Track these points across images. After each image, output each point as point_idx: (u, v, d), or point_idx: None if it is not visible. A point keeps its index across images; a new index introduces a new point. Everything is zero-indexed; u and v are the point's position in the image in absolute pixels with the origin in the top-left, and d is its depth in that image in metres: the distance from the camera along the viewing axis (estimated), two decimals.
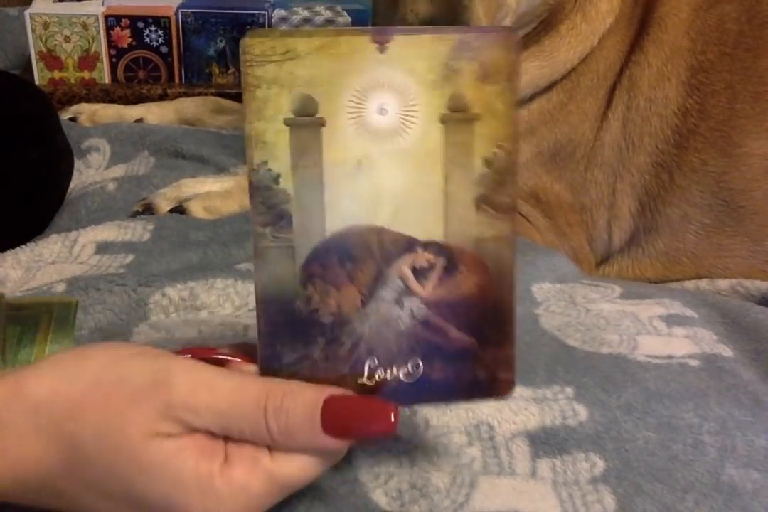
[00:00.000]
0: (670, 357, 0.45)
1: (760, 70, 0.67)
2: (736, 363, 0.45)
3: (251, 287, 0.51)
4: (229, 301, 0.49)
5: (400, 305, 0.31)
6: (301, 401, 0.29)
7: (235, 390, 0.29)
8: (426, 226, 0.31)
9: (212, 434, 0.29)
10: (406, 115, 0.30)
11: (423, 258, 0.31)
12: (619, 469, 0.36)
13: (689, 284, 0.67)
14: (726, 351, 0.46)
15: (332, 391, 0.30)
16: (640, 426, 0.38)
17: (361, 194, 0.30)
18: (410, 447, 0.37)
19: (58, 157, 0.68)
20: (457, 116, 0.30)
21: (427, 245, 0.31)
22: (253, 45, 0.29)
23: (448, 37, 0.30)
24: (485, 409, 0.39)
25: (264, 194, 0.30)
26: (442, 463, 0.36)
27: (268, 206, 0.30)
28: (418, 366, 0.32)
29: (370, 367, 0.31)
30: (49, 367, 0.30)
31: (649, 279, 0.70)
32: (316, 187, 0.30)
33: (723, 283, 0.65)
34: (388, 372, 0.31)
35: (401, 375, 0.32)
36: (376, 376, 0.31)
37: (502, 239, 0.31)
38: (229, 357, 0.32)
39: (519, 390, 0.40)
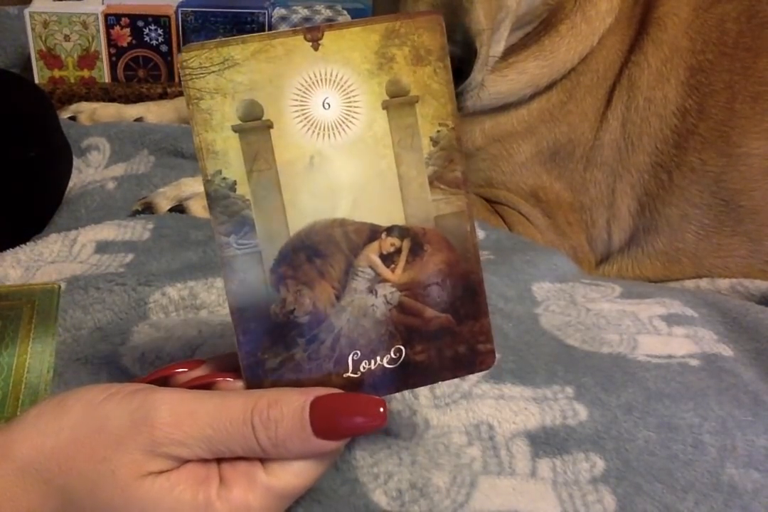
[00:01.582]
0: (670, 356, 0.45)
1: (760, 70, 0.67)
2: (736, 363, 0.45)
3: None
4: None
5: (374, 293, 0.32)
6: (287, 410, 0.29)
7: (219, 413, 0.29)
8: (386, 211, 0.31)
9: (204, 459, 0.29)
10: (350, 107, 0.31)
11: (388, 243, 0.32)
12: (619, 469, 0.36)
13: (689, 283, 0.67)
14: (726, 350, 0.46)
15: (317, 393, 0.30)
16: (640, 426, 0.38)
17: (319, 190, 0.31)
18: (410, 447, 0.37)
19: (57, 156, 0.67)
20: (397, 101, 0.31)
21: (390, 230, 0.32)
22: (190, 59, 0.29)
23: (376, 26, 0.31)
24: (485, 409, 0.39)
25: (222, 203, 0.30)
26: (442, 463, 0.36)
27: (229, 214, 0.30)
28: (399, 351, 0.32)
29: (354, 360, 0.32)
30: (31, 425, 0.30)
31: (648, 279, 0.70)
32: (274, 188, 0.30)
33: (723, 283, 0.65)
34: (372, 362, 0.32)
35: (385, 363, 0.32)
36: (361, 368, 0.32)
37: (460, 214, 0.32)
38: (217, 379, 0.32)
39: (519, 390, 0.40)
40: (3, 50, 1.02)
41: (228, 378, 0.31)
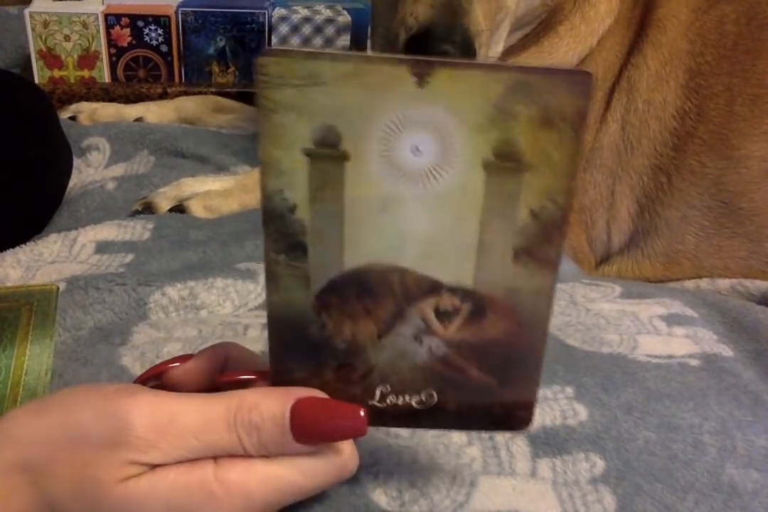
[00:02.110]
0: (670, 356, 0.45)
1: (759, 73, 0.67)
2: (736, 363, 0.45)
3: (251, 286, 0.51)
4: (229, 301, 0.49)
5: (419, 341, 0.30)
6: (268, 414, 0.28)
7: (202, 421, 0.28)
8: (454, 271, 0.29)
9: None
10: (444, 157, 0.27)
11: (448, 301, 0.29)
12: (619, 469, 0.36)
13: (689, 284, 0.67)
14: (726, 350, 0.46)
15: (299, 395, 0.29)
16: (640, 426, 0.38)
17: (385, 233, 0.28)
18: (410, 447, 0.37)
19: (57, 156, 0.67)
20: (503, 165, 0.27)
21: (454, 290, 0.29)
22: (269, 65, 0.25)
23: (504, 75, 0.26)
24: None
25: (278, 222, 0.28)
26: (442, 463, 0.36)
27: (283, 234, 0.28)
28: (431, 396, 0.31)
29: (382, 392, 0.30)
30: (10, 430, 0.29)
31: (648, 280, 0.70)
32: (336, 221, 0.28)
33: (723, 283, 0.65)
34: (401, 398, 0.31)
35: (413, 403, 0.31)
36: (388, 401, 0.31)
37: (540, 293, 0.29)
38: (252, 377, 0.32)
39: None
40: (3, 50, 1.02)
41: (264, 378, 0.31)
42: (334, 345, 0.30)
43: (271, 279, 0.29)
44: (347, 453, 0.30)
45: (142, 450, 0.28)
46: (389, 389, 0.30)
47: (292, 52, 0.26)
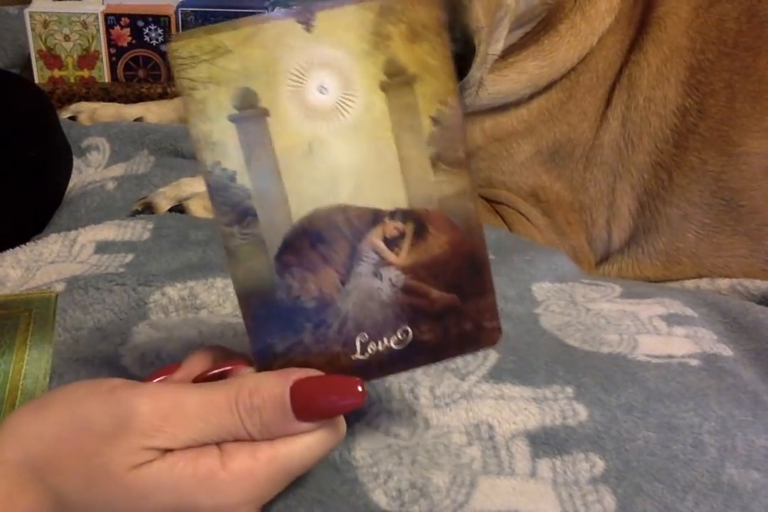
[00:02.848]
0: (670, 356, 0.45)
1: (760, 69, 0.67)
2: (736, 363, 0.45)
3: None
4: (229, 301, 0.49)
5: (379, 277, 0.32)
6: (268, 395, 0.29)
7: (205, 405, 0.29)
8: (388, 194, 0.31)
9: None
10: (347, 90, 0.30)
11: (391, 227, 0.31)
12: (619, 469, 0.36)
13: (689, 283, 0.67)
14: (726, 350, 0.46)
15: (296, 375, 0.30)
16: (640, 426, 0.38)
17: (319, 176, 0.30)
18: (410, 447, 0.37)
19: (57, 156, 0.67)
20: (395, 81, 0.30)
21: (393, 213, 0.31)
22: (179, 48, 0.28)
23: (371, 3, 0.30)
24: (485, 409, 0.39)
25: (223, 194, 0.30)
26: (442, 463, 0.36)
27: (231, 205, 0.30)
28: (406, 332, 0.32)
29: (361, 342, 0.32)
30: (13, 428, 0.29)
31: (649, 279, 0.70)
32: (274, 177, 0.30)
33: (723, 283, 0.65)
34: (380, 343, 0.32)
35: (392, 344, 0.32)
36: (369, 350, 0.32)
37: (462, 194, 0.32)
38: (227, 368, 0.32)
39: (519, 390, 0.40)
40: (3, 50, 1.02)
41: (244, 366, 0.32)
42: (304, 306, 0.31)
43: (231, 254, 0.30)
44: (340, 421, 0.31)
45: (149, 434, 0.28)
46: (366, 337, 0.32)
47: (196, 31, 0.29)
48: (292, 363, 0.31)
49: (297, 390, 0.30)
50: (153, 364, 0.42)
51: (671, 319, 0.49)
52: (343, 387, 0.30)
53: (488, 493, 0.35)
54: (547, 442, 0.37)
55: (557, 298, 0.52)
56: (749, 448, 0.38)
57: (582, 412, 0.39)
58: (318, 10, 0.29)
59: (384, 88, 0.30)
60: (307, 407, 0.29)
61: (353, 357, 0.32)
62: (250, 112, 0.29)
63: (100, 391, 0.29)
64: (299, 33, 0.29)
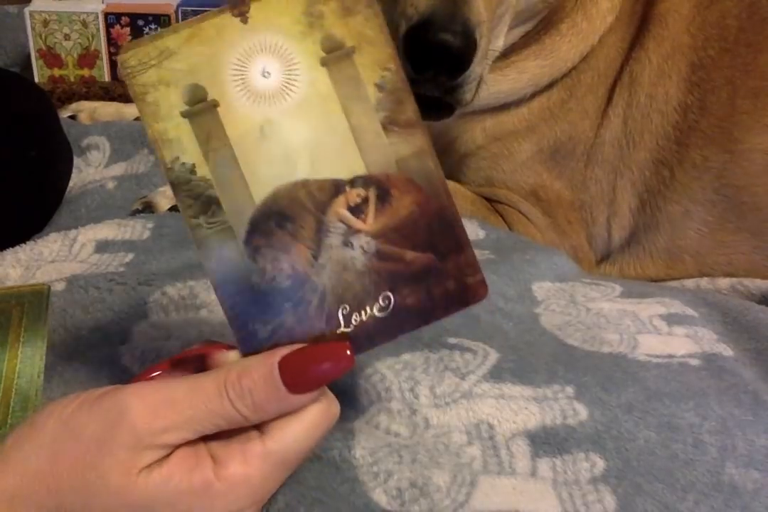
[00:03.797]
0: (670, 356, 0.44)
1: (761, 66, 0.66)
2: (736, 363, 0.45)
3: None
4: None
5: (350, 246, 0.32)
6: (257, 375, 0.29)
7: (193, 394, 0.29)
8: (346, 164, 0.32)
9: (192, 442, 0.29)
10: (289, 70, 0.31)
11: (354, 195, 0.32)
12: (619, 469, 0.36)
13: (690, 283, 0.67)
14: (726, 350, 0.46)
15: (281, 352, 0.30)
16: (640, 426, 0.38)
17: (275, 156, 0.31)
18: (410, 446, 0.37)
19: (57, 156, 0.67)
20: (334, 55, 0.31)
21: (353, 181, 0.32)
22: (128, 58, 0.30)
23: None
24: (485, 409, 0.39)
25: (186, 187, 0.31)
26: (442, 462, 0.36)
27: (194, 197, 0.31)
28: (388, 298, 0.32)
29: (344, 315, 0.32)
30: (10, 454, 0.29)
31: (651, 278, 0.70)
32: (232, 164, 0.31)
33: (723, 282, 0.65)
34: (363, 313, 0.32)
35: (376, 312, 0.32)
36: (353, 321, 0.32)
37: (420, 153, 0.32)
38: (203, 349, 0.32)
39: (519, 390, 0.40)
40: (3, 49, 1.02)
41: (222, 349, 0.32)
42: (280, 286, 0.31)
43: (201, 245, 0.31)
44: (331, 401, 0.31)
45: (142, 433, 0.28)
46: (348, 309, 0.32)
47: (142, 40, 0.30)
48: (278, 346, 0.31)
49: (285, 364, 0.30)
50: (153, 364, 0.42)
51: (671, 319, 0.49)
52: (331, 353, 0.30)
53: (488, 493, 0.35)
54: (547, 442, 0.37)
55: (557, 298, 0.52)
56: (749, 448, 0.38)
57: (582, 412, 0.39)
58: (252, 1, 0.31)
59: (325, 63, 0.31)
60: (297, 378, 0.29)
61: (339, 331, 0.32)
62: (201, 105, 0.31)
63: (90, 400, 0.30)
64: (236, 25, 0.31)
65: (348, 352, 0.30)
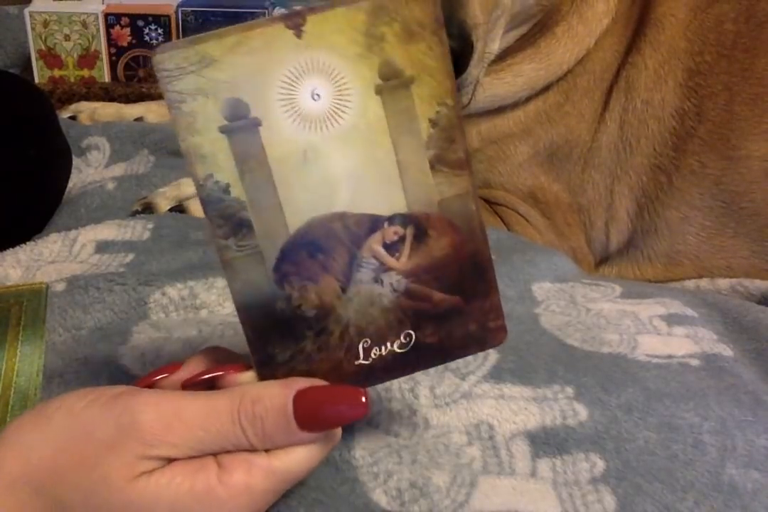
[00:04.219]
0: (670, 356, 0.45)
1: (758, 71, 0.67)
2: (736, 363, 0.45)
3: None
4: (229, 300, 0.49)
5: (380, 282, 0.31)
6: (270, 405, 0.29)
7: (207, 415, 0.29)
8: (387, 200, 0.31)
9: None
10: (340, 95, 0.29)
11: (391, 232, 0.31)
12: (619, 469, 0.36)
13: (689, 284, 0.67)
14: (726, 350, 0.46)
15: (299, 385, 0.30)
16: (640, 426, 0.38)
17: (315, 184, 0.30)
18: (410, 446, 0.37)
19: (57, 156, 0.67)
20: (391, 84, 0.29)
21: (392, 219, 0.31)
22: (164, 60, 0.27)
23: (362, 4, 0.29)
24: (485, 409, 0.39)
25: (217, 206, 0.29)
26: (442, 462, 0.36)
27: (225, 217, 0.29)
28: (410, 335, 0.32)
29: (364, 348, 0.31)
30: (13, 439, 0.29)
31: (649, 281, 0.70)
32: (268, 187, 0.29)
33: (723, 283, 0.65)
34: (383, 348, 0.32)
35: (396, 348, 0.32)
36: (372, 355, 0.32)
37: (464, 195, 0.31)
38: (218, 373, 0.32)
39: (519, 390, 0.40)
40: (3, 50, 1.02)
41: (237, 372, 0.31)
42: (305, 315, 0.31)
43: (228, 267, 0.30)
44: (333, 431, 0.31)
45: (150, 443, 0.28)
46: (369, 342, 0.31)
47: (181, 42, 0.27)
48: (294, 371, 0.31)
49: (300, 400, 0.29)
50: (153, 364, 0.42)
51: (671, 319, 0.49)
52: (347, 398, 0.30)
53: (488, 493, 0.35)
54: (547, 442, 0.37)
55: (557, 298, 0.52)
56: (749, 448, 0.38)
57: (582, 412, 0.39)
58: (307, 14, 0.28)
59: (380, 91, 0.29)
60: (309, 417, 0.29)
61: (356, 362, 0.31)
62: (242, 122, 0.28)
63: (103, 400, 0.29)
64: (289, 39, 0.28)
65: (363, 400, 0.30)
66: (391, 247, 0.31)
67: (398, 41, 0.29)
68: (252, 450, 0.29)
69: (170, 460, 0.29)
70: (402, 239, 0.31)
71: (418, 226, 0.31)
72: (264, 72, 0.28)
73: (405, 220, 0.31)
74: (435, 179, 0.31)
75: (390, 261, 0.31)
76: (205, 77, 0.28)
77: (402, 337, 0.32)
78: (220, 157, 0.29)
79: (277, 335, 0.31)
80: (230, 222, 0.29)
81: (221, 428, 0.29)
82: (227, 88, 0.28)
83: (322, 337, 0.31)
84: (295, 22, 0.28)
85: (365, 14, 0.28)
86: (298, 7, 0.28)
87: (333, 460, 0.36)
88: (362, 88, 0.29)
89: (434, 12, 0.29)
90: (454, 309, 0.32)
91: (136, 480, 0.28)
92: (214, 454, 0.29)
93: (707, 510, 0.35)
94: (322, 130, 0.29)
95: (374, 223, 0.31)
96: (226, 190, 0.29)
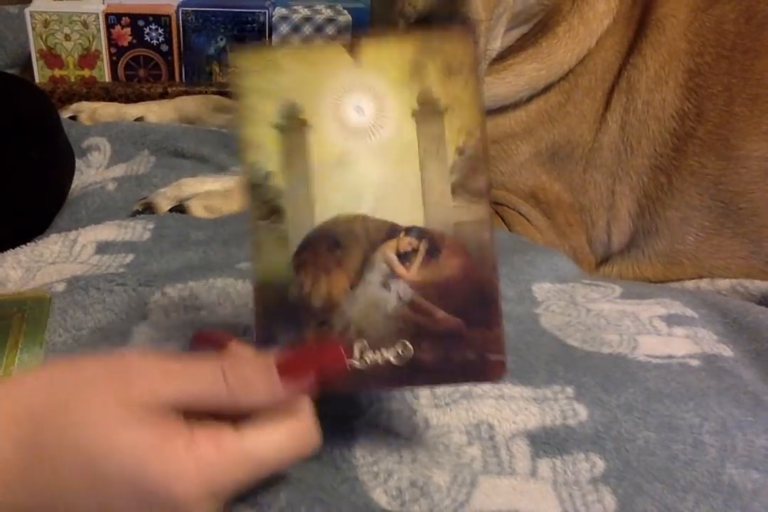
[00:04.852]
0: (670, 357, 0.45)
1: (758, 72, 0.67)
2: (736, 363, 0.45)
3: (251, 287, 0.51)
4: (229, 301, 0.49)
5: (387, 288, 0.33)
6: (253, 356, 0.32)
7: (190, 364, 0.31)
8: (407, 212, 0.33)
9: (176, 416, 0.30)
10: (381, 113, 0.33)
11: (406, 242, 0.33)
12: (619, 469, 0.36)
13: (689, 284, 0.67)
14: (726, 351, 0.46)
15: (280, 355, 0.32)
16: (640, 426, 0.39)
17: (346, 186, 0.33)
18: (410, 446, 0.37)
19: (59, 158, 0.67)
20: (426, 111, 0.33)
21: (409, 230, 0.33)
22: (239, 59, 0.33)
23: (412, 37, 0.33)
24: (485, 409, 0.39)
25: (258, 191, 0.33)
26: (442, 462, 0.36)
27: (263, 201, 0.33)
28: (407, 348, 0.33)
29: (360, 349, 0.33)
30: (12, 380, 0.31)
31: (649, 280, 0.70)
32: (305, 182, 0.33)
33: (723, 283, 0.65)
34: (378, 354, 0.33)
35: (391, 358, 0.33)
36: (366, 358, 0.33)
37: (480, 223, 0.33)
38: (224, 338, 0.34)
39: (519, 390, 0.40)
40: (3, 49, 1.02)
41: (238, 342, 0.33)
42: (312, 304, 0.33)
43: (256, 247, 0.33)
44: (312, 427, 0.32)
45: (136, 389, 0.29)
46: (366, 345, 0.33)
47: (254, 46, 0.33)
48: None
49: (281, 353, 0.31)
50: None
51: (671, 320, 0.49)
52: (326, 351, 0.32)
53: (488, 493, 0.35)
54: (547, 442, 0.37)
55: (557, 298, 0.52)
56: (749, 448, 0.38)
57: (582, 412, 0.39)
58: (363, 39, 0.33)
59: (415, 115, 0.33)
60: (289, 365, 0.31)
61: (350, 361, 0.33)
62: (293, 122, 0.33)
63: (97, 355, 0.32)
64: (345, 58, 0.33)
65: (341, 349, 0.32)
66: (403, 257, 0.33)
67: (439, 74, 0.33)
68: (229, 406, 0.30)
69: (153, 412, 0.29)
70: (415, 251, 0.33)
71: (432, 242, 0.33)
72: (319, 82, 0.33)
73: (421, 233, 0.33)
74: (454, 202, 0.33)
75: (400, 269, 0.33)
76: (269, 79, 0.33)
77: (398, 347, 0.33)
78: (268, 149, 0.33)
79: (284, 318, 0.33)
80: (266, 206, 0.33)
81: (202, 373, 0.30)
82: (286, 91, 0.33)
83: (323, 329, 0.33)
84: (353, 45, 0.33)
85: (414, 47, 0.33)
86: (358, 32, 0.33)
87: (333, 459, 0.36)
88: (401, 111, 0.33)
89: (474, 53, 0.33)
90: (455, 331, 0.33)
91: (113, 427, 0.29)
92: (193, 416, 0.30)
93: (707, 510, 0.35)
94: (360, 139, 0.33)
95: (392, 231, 0.33)
96: (267, 177, 0.33)
